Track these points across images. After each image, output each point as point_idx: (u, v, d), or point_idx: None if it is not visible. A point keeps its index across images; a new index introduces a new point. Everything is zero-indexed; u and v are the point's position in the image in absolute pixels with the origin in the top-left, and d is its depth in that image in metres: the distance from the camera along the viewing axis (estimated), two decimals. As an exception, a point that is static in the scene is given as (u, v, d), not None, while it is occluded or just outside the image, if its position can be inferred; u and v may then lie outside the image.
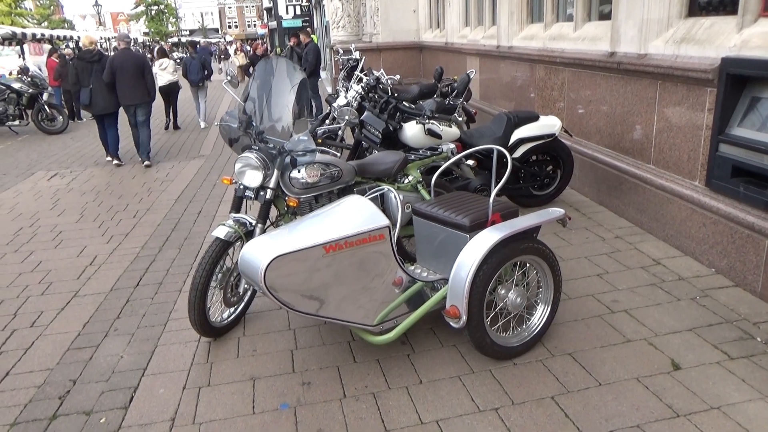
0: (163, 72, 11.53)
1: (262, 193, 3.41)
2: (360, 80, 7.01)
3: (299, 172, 3.43)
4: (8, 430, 2.76)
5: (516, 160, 5.02)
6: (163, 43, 44.72)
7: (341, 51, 9.96)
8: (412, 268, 3.35)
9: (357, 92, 6.17)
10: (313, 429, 2.63)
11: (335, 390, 2.90)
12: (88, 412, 2.86)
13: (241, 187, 3.44)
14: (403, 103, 4.88)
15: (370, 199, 3.58)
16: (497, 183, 3.17)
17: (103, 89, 8.25)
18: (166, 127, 12.11)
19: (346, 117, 3.71)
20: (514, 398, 2.74)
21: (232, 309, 3.57)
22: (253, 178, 3.34)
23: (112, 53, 8.96)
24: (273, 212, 3.57)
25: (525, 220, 2.98)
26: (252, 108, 3.44)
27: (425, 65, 12.84)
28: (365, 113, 4.93)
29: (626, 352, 3.03)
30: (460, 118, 7.14)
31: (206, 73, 12.21)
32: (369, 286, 2.85)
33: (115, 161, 8.80)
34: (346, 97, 6.75)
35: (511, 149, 4.97)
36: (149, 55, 22.20)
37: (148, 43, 38.93)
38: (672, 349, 3.04)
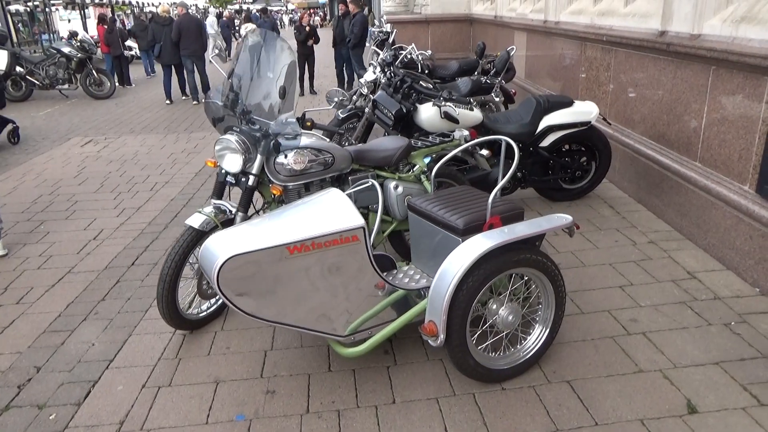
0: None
1: (243, 179, 3.14)
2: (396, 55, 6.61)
3: (285, 157, 3.13)
4: (-43, 419, 2.64)
5: (544, 150, 4.55)
6: (224, 11, 45.15)
7: (376, 23, 9.52)
8: (405, 269, 3.02)
9: (398, 67, 5.77)
10: (264, 449, 2.38)
11: (299, 403, 2.64)
12: (41, 405, 2.71)
13: (223, 171, 3.18)
14: (420, 82, 4.48)
15: (366, 191, 3.27)
16: (506, 178, 2.77)
17: (169, 45, 10.67)
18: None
19: (335, 99, 3.37)
20: (492, 431, 2.40)
21: (213, 300, 3.35)
22: (232, 163, 3.07)
23: (176, 17, 10.95)
24: (261, 200, 3.32)
25: (526, 226, 2.58)
26: (238, 84, 3.16)
27: (475, 39, 12.20)
28: (378, 92, 4.57)
29: (635, 386, 2.62)
30: (497, 99, 6.67)
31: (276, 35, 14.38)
32: (339, 292, 2.55)
33: (184, 96, 11.47)
34: (374, 72, 6.38)
35: (540, 137, 4.51)
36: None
37: (208, 11, 39.46)
38: (690, 386, 2.60)
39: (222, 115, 3.22)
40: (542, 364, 2.79)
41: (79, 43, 12.05)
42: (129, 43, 16.32)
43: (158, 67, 16.52)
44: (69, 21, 22.12)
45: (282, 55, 3.12)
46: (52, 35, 21.55)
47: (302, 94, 11.39)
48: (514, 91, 6.91)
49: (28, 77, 11.86)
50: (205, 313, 3.30)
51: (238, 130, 3.09)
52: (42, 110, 11.12)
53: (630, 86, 5.00)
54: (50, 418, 2.62)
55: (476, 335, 2.65)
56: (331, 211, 2.55)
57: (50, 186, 6.19)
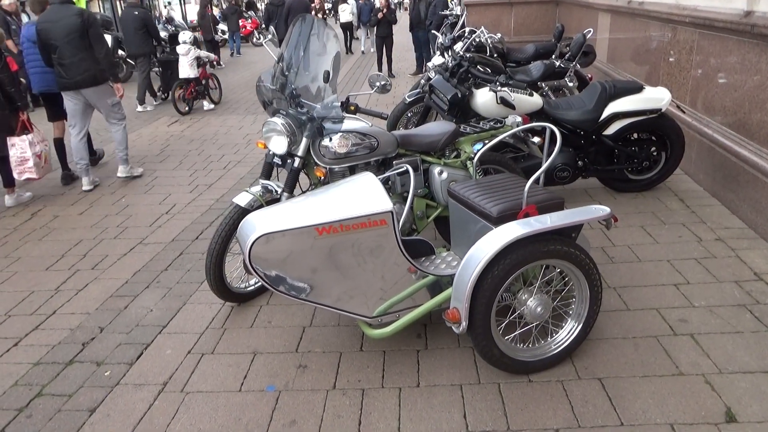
0: (344, 13, 16.41)
1: (289, 160, 3.25)
2: (460, 37, 6.52)
3: (330, 140, 3.20)
4: (28, 370, 2.95)
5: (609, 138, 4.35)
6: None
7: (450, 5, 9.35)
8: (444, 254, 3.03)
9: (457, 51, 5.71)
10: (287, 419, 2.49)
11: (327, 379, 2.73)
12: (100, 362, 2.98)
13: (271, 153, 3.30)
14: (478, 67, 4.39)
15: (416, 174, 3.29)
16: (544, 167, 2.69)
17: (282, 24, 11.05)
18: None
19: (377, 83, 3.38)
20: (511, 423, 2.37)
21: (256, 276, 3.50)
22: (278, 145, 3.18)
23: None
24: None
25: (558, 217, 2.51)
26: (287, 68, 3.25)
27: (561, 22, 11.72)
28: (435, 77, 4.53)
29: (671, 389, 2.49)
30: (571, 84, 6.42)
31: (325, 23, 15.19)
32: (367, 275, 2.59)
33: None
34: (443, 56, 6.32)
35: (604, 125, 4.31)
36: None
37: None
38: (733, 394, 2.44)
39: (272, 98, 3.33)
40: (575, 358, 2.71)
41: (174, 29, 12.74)
42: (221, 26, 17.06)
43: (243, 49, 17.26)
44: (165, 6, 23.39)
45: (329, 43, 3.19)
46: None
47: None
48: (590, 75, 6.61)
49: (128, 60, 12.70)
50: (252, 287, 3.47)
51: (285, 113, 3.19)
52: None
53: (712, 72, 4.65)
54: (105, 374, 2.87)
55: (503, 325, 2.62)
56: (361, 195, 2.59)
57: (135, 162, 6.64)
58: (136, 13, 9.21)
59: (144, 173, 6.19)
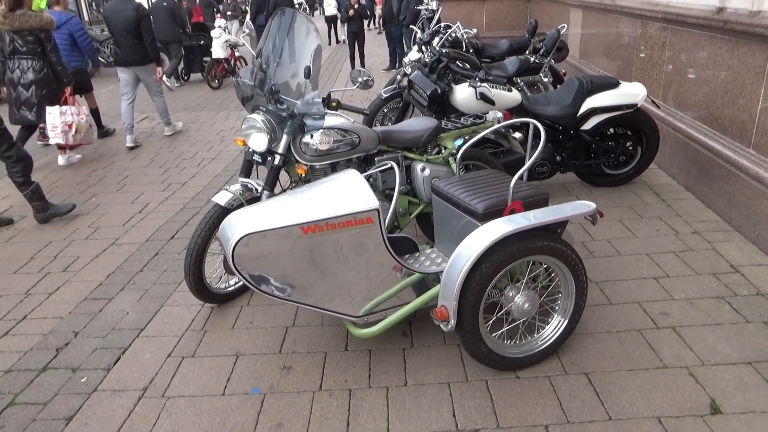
0: (329, 7, 17.56)
1: (270, 158, 3.18)
2: (436, 32, 6.49)
3: (311, 137, 3.15)
4: (0, 377, 2.83)
5: (587, 133, 4.38)
6: None
7: (425, 1, 9.35)
8: (428, 252, 3.00)
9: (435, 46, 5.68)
10: (274, 422, 2.44)
11: (313, 380, 2.68)
12: (75, 368, 2.87)
13: (250, 150, 3.23)
14: (456, 62, 4.38)
15: (390, 172, 3.26)
16: (529, 163, 2.69)
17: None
18: (329, 43, 17.26)
19: (359, 79, 3.33)
20: (500, 420, 2.37)
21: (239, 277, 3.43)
22: (258, 142, 3.11)
23: None
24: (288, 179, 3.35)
25: (545, 213, 2.50)
26: (266, 64, 3.18)
27: (532, 17, 11.81)
28: (414, 73, 4.50)
29: (656, 382, 2.52)
30: (546, 79, 6.46)
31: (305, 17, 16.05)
32: (353, 274, 2.55)
33: None
34: (419, 52, 6.28)
35: (582, 120, 4.34)
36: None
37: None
38: (717, 385, 2.48)
39: (250, 94, 3.26)
40: (561, 354, 2.72)
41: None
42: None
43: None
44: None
45: (309, 37, 3.13)
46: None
47: None
48: (564, 71, 6.66)
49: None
50: (232, 288, 3.39)
51: (265, 109, 3.13)
52: (106, 87, 11.58)
53: (685, 67, 4.73)
54: (82, 380, 2.77)
55: (491, 322, 2.61)
56: (346, 193, 2.55)
57: (105, 160, 6.48)
58: (165, 3, 10.22)
59: (182, 127, 7.73)
